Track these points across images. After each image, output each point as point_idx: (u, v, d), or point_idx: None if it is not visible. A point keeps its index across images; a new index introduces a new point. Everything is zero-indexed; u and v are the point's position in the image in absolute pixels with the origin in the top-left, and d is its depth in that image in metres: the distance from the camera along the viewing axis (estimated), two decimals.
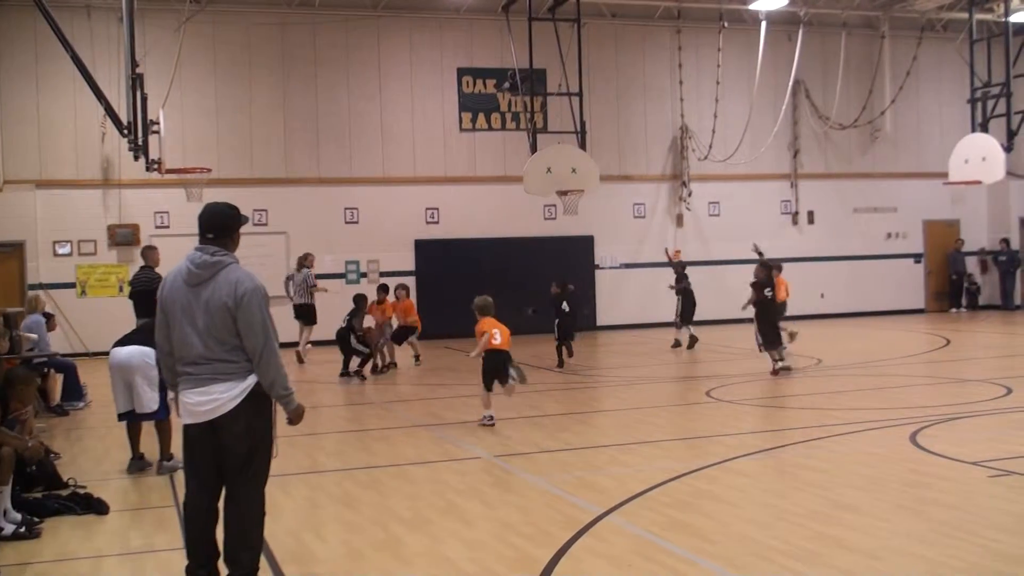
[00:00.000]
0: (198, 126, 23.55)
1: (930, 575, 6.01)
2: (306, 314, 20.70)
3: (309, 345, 20.80)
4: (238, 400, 5.90)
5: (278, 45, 24.29)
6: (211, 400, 5.89)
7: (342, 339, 17.58)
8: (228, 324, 5.88)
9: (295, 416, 6.15)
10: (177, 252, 24.84)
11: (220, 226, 6.10)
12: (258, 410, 6.00)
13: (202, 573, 6.04)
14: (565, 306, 18.72)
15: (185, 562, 6.13)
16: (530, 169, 21.31)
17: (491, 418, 12.19)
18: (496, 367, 12.33)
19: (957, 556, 6.31)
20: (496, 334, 12.39)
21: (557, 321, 18.65)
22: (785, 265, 27.20)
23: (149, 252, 15.54)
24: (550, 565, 6.43)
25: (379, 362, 18.57)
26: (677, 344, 20.31)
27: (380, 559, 6.79)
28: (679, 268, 20.79)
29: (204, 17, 22.82)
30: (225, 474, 6.01)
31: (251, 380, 5.94)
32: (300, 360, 19.86)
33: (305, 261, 20.86)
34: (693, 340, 20.21)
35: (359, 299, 18.28)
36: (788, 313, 18.76)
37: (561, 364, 18.32)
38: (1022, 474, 8.44)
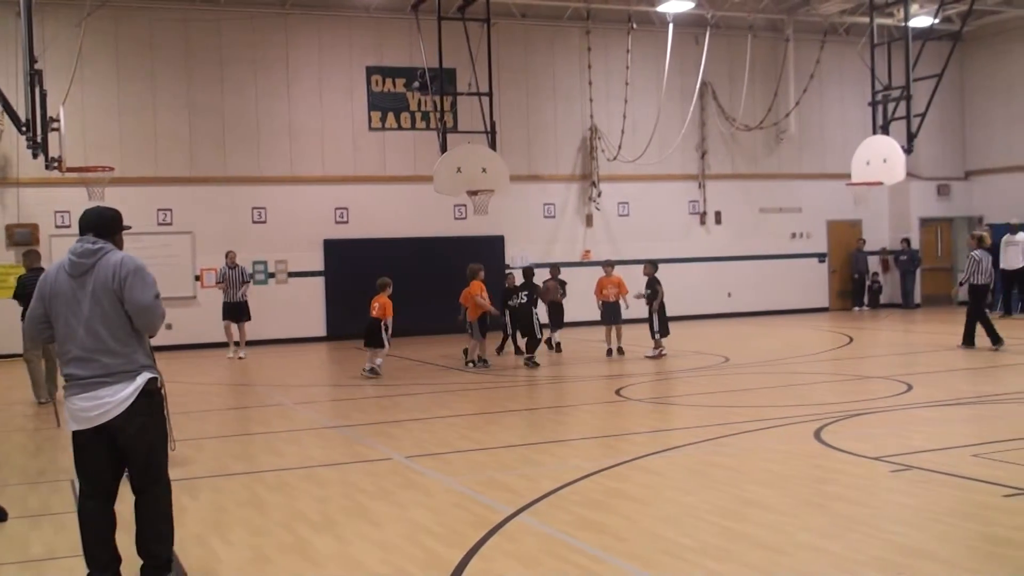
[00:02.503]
0: (100, 124, 23.04)
1: (834, 568, 6.10)
2: (246, 311, 21.33)
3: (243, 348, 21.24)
4: (129, 402, 5.85)
5: (182, 42, 23.88)
6: (100, 405, 5.82)
7: (527, 316, 18.20)
8: (117, 308, 5.84)
9: None
10: None
11: (100, 227, 6.05)
12: (151, 408, 5.97)
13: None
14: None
15: (86, 570, 6.05)
16: (440, 169, 21.24)
17: (372, 370, 16.74)
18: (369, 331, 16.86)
19: (860, 550, 6.42)
20: (375, 307, 16.95)
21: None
22: (693, 265, 27.85)
23: (30, 255, 15.18)
24: (461, 565, 6.40)
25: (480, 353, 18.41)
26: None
27: (288, 562, 6.69)
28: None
29: (105, 13, 22.30)
30: (131, 476, 6.01)
31: (141, 380, 5.90)
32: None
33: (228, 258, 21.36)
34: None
35: (530, 272, 19.02)
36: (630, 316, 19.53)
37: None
38: (922, 468, 8.62)
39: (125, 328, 5.87)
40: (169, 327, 20.47)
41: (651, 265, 18.91)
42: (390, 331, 17.11)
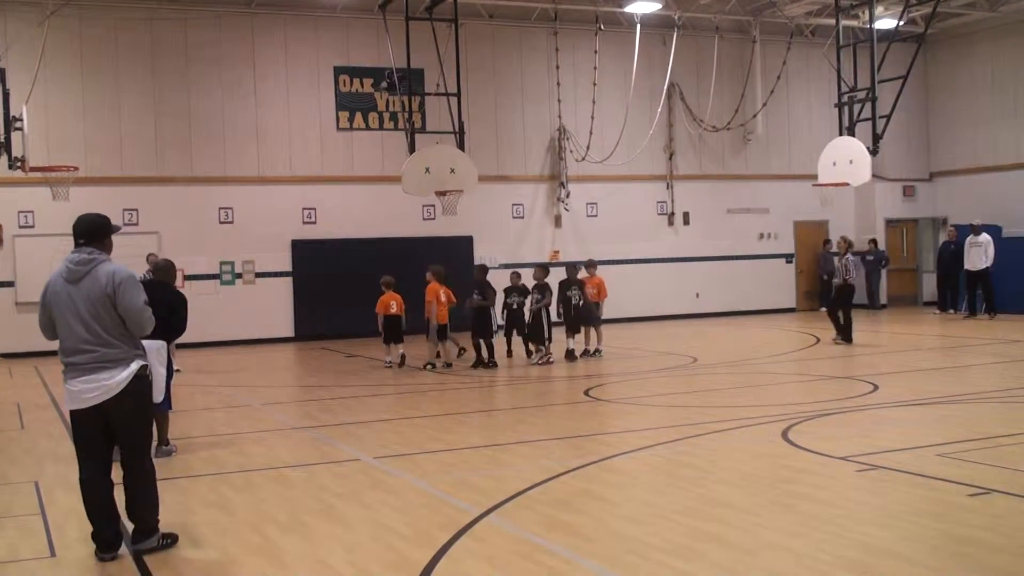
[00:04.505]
0: (64, 123, 22.81)
1: (800, 568, 6.13)
2: None
3: None
4: (124, 384, 6.72)
5: (148, 41, 23.68)
6: (97, 387, 6.67)
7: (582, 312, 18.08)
8: (110, 310, 6.69)
9: None
10: (42, 252, 24.03)
11: (91, 232, 6.86)
12: (141, 390, 6.89)
13: (108, 532, 6.83)
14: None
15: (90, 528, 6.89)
16: (408, 169, 21.21)
17: (389, 363, 17.90)
18: (389, 329, 17.77)
19: (826, 549, 6.46)
20: (392, 304, 17.75)
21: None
22: (661, 265, 27.93)
23: None
24: (429, 566, 6.39)
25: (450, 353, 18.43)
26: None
27: (256, 564, 6.66)
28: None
29: (69, 11, 22.08)
30: (121, 449, 6.90)
31: (135, 366, 6.80)
32: None
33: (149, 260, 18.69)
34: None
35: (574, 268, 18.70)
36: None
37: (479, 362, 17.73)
38: (888, 468, 8.68)
39: (119, 327, 6.75)
40: None
41: (543, 270, 18.46)
42: (404, 326, 18.00)
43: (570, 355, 18.23)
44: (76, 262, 6.76)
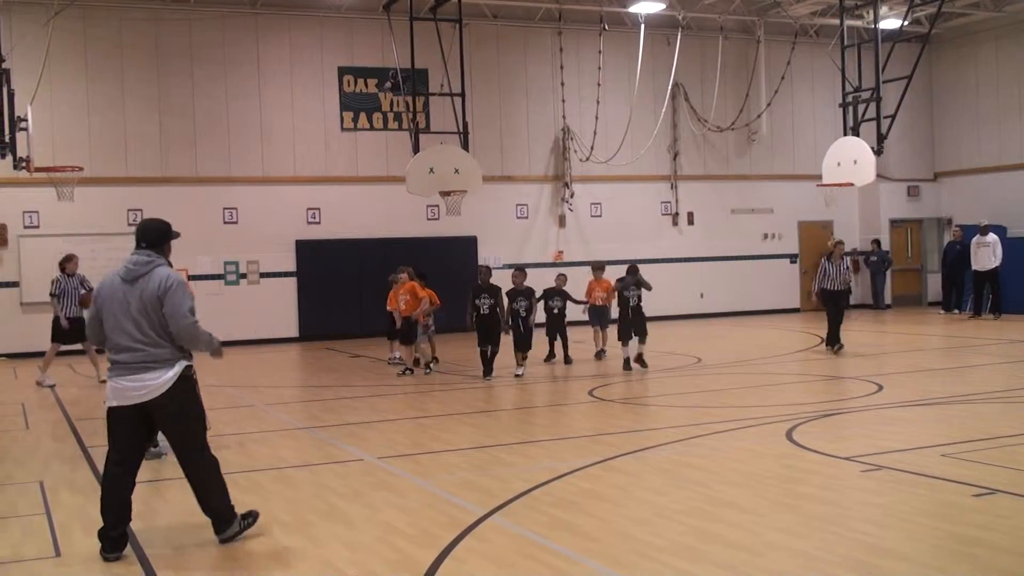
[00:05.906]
0: (69, 123, 22.83)
1: (804, 568, 6.12)
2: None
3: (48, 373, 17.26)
4: (168, 385, 6.90)
5: (152, 41, 23.70)
6: (143, 386, 6.86)
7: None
8: (158, 311, 6.88)
9: (218, 354, 7.27)
10: (47, 252, 23.98)
11: (152, 237, 7.13)
12: (187, 391, 7.04)
13: (114, 534, 6.86)
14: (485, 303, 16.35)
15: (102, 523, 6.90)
16: (412, 169, 21.21)
17: (402, 365, 17.45)
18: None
19: (829, 549, 6.45)
20: (400, 302, 17.02)
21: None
22: (666, 265, 27.90)
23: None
24: (433, 566, 6.39)
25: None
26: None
27: (259, 563, 6.67)
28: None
29: (74, 11, 22.11)
30: (174, 447, 7.17)
31: (179, 367, 6.96)
32: None
33: (68, 265, 17.37)
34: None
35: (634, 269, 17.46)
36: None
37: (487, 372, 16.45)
38: (892, 468, 8.67)
39: (166, 328, 6.91)
40: None
41: (523, 273, 17.10)
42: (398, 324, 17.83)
43: (632, 361, 16.89)
44: (135, 263, 6.99)
